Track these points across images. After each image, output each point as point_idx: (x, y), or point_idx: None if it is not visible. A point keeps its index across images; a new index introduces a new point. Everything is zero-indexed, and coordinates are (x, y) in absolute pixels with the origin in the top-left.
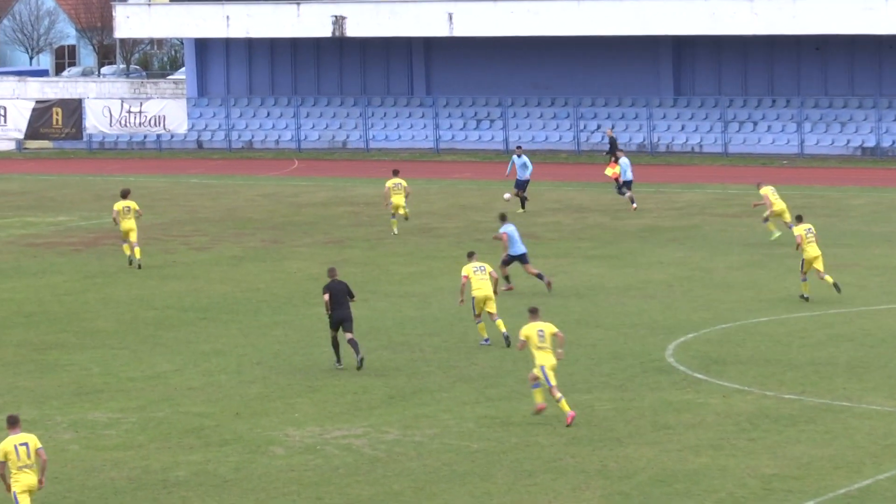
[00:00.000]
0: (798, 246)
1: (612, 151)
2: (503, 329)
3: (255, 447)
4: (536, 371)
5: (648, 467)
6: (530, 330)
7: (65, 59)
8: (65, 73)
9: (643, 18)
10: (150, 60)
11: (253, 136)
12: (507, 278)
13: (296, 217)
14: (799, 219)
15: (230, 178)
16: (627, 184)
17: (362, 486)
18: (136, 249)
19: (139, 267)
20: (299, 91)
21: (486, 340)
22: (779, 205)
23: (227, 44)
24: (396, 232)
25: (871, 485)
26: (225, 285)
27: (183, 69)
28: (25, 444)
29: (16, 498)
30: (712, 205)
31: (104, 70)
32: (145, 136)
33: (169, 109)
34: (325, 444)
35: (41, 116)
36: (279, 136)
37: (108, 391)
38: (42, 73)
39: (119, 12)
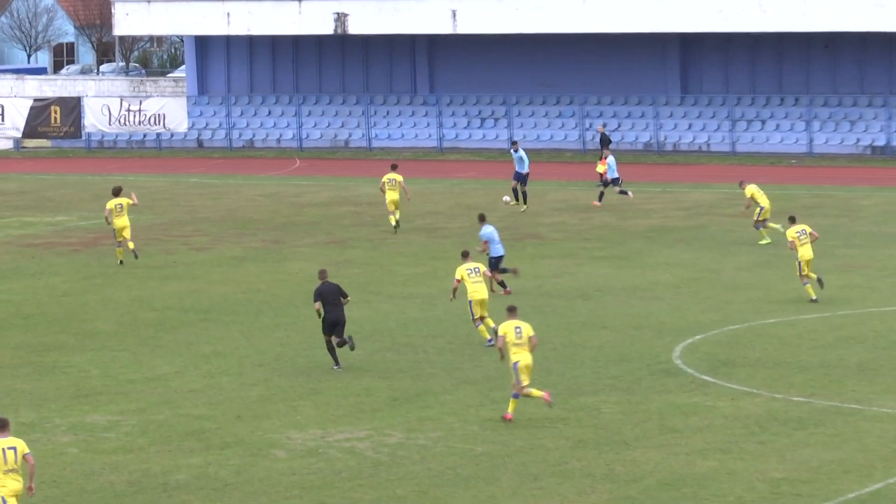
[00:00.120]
0: (791, 245)
1: (604, 147)
2: (492, 324)
3: (256, 450)
4: (511, 367)
5: (656, 471)
6: (508, 327)
7: (63, 56)
8: (63, 70)
9: (650, 15)
10: (149, 58)
11: (254, 135)
12: (502, 284)
13: (297, 217)
14: (792, 220)
15: (231, 178)
16: (615, 181)
17: (365, 490)
18: (130, 243)
19: (136, 256)
20: (301, 89)
21: (491, 342)
22: (764, 201)
23: (228, 41)
24: (395, 225)
25: (881, 489)
26: (226, 286)
27: (183, 67)
28: (13, 448)
29: (4, 502)
30: (720, 205)
31: (103, 68)
32: (145, 135)
33: (169, 108)
34: (327, 447)
35: (39, 115)
36: (280, 135)
37: (107, 393)
38: (40, 71)
39: (118, 9)
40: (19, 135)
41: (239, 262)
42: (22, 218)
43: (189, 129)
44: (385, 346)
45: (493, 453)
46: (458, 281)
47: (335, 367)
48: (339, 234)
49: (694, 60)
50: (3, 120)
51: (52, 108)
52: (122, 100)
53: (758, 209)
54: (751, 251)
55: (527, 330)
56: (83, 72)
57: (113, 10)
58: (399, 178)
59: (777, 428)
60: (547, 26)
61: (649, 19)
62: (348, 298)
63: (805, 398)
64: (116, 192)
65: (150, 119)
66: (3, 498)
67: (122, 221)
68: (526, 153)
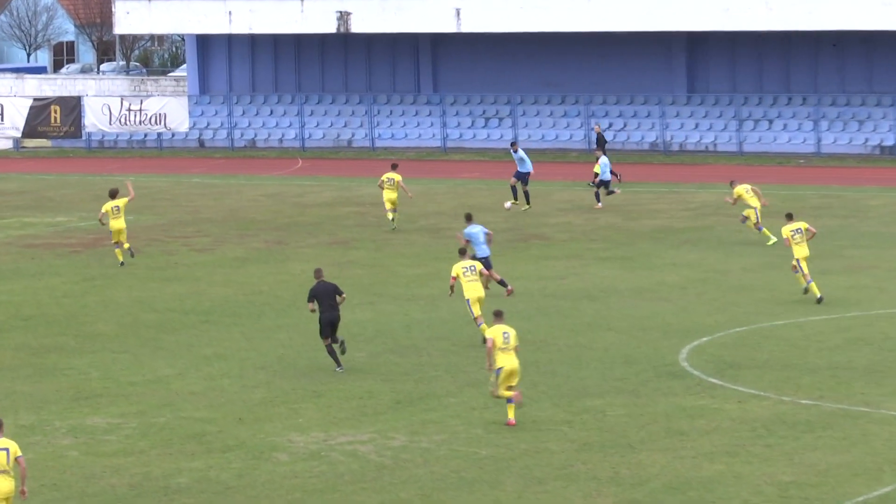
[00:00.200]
0: (786, 242)
1: (600, 147)
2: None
3: (258, 453)
4: (493, 373)
5: (662, 474)
6: (496, 332)
7: (63, 55)
8: (63, 70)
9: (656, 14)
10: (150, 57)
11: (256, 135)
12: (502, 283)
13: (300, 217)
14: (789, 217)
15: (233, 178)
16: (605, 183)
17: (368, 493)
18: (125, 244)
19: (132, 255)
20: (303, 88)
21: None
22: (754, 202)
23: (230, 40)
24: (394, 223)
25: (890, 492)
26: (227, 287)
27: (184, 66)
28: (6, 449)
29: None
30: (727, 205)
31: (103, 67)
32: (146, 135)
33: (170, 107)
34: (329, 450)
35: (39, 114)
36: (283, 135)
37: (107, 396)
38: (40, 70)
39: (119, 8)
40: (19, 134)
41: (241, 263)
42: (22, 218)
43: (190, 128)
44: (388, 348)
45: (497, 456)
46: (454, 278)
47: (337, 370)
48: (342, 235)
49: (700, 59)
50: (2, 119)
51: (52, 107)
52: (122, 99)
53: (752, 211)
54: (758, 252)
55: (514, 336)
56: (83, 71)
57: (113, 9)
58: (398, 177)
59: (785, 431)
60: (552, 25)
61: (655, 18)
62: (344, 296)
63: (813, 401)
64: (113, 195)
65: (150, 119)
66: None
67: (118, 224)
68: (526, 153)
